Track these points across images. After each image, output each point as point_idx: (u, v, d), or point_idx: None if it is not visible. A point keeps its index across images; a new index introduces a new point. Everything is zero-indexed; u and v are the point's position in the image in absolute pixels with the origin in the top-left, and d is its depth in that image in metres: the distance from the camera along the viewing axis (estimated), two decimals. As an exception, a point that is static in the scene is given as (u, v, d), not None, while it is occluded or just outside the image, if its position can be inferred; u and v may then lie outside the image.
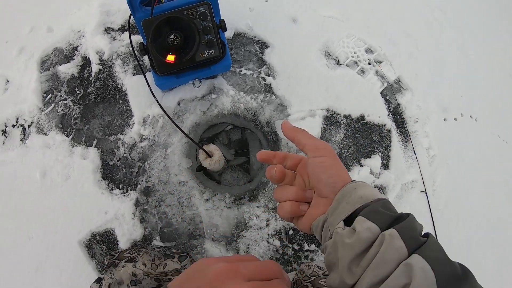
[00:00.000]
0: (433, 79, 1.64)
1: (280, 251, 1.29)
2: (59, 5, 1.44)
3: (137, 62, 1.34)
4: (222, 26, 1.17)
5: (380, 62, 1.58)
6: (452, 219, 1.49)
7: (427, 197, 1.46)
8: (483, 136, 1.65)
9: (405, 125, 1.52)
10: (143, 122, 1.32)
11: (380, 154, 1.45)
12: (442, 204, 1.49)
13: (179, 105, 1.34)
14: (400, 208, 1.43)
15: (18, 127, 1.32)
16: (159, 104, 1.28)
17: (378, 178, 1.42)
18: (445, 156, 1.54)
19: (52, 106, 1.32)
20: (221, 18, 1.30)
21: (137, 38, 1.39)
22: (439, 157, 1.53)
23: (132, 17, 1.22)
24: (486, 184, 1.59)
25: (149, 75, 1.33)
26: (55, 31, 1.41)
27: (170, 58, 1.08)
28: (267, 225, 1.30)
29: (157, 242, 1.26)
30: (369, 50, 1.60)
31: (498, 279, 1.51)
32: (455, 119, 1.62)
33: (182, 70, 1.19)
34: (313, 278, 1.01)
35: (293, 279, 1.08)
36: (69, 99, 1.33)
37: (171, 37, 1.09)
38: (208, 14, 1.12)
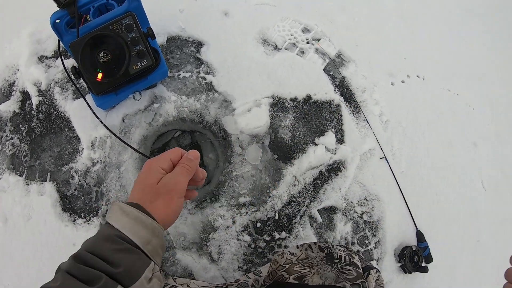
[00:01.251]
0: (374, 47, 1.65)
1: (253, 245, 1.32)
2: (-12, 43, 1.42)
3: (75, 87, 1.34)
4: (150, 34, 1.16)
5: (319, 40, 1.59)
6: (416, 179, 1.53)
7: (388, 162, 1.49)
8: (433, 92, 1.68)
9: (353, 97, 1.54)
10: (91, 146, 1.32)
11: (333, 130, 1.47)
12: (404, 166, 1.53)
13: (123, 121, 1.35)
14: (363, 178, 1.46)
15: (-31, 175, 1.32)
16: (104, 125, 1.28)
17: (335, 154, 1.45)
18: (398, 119, 1.57)
19: (0, 148, 1.32)
20: (149, 25, 1.30)
21: (72, 62, 1.38)
22: (392, 122, 1.56)
23: (61, 42, 1.22)
24: (444, 138, 1.63)
25: (89, 97, 1.33)
26: (-11, 68, 1.39)
27: (99, 76, 1.08)
28: (234, 222, 1.32)
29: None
30: (306, 30, 1.61)
31: (468, 229, 1.56)
32: (403, 81, 1.64)
33: (119, 86, 1.19)
34: (287, 266, 1.03)
35: (268, 271, 1.10)
36: (15, 137, 1.33)
37: (100, 55, 1.08)
38: (134, 24, 1.11)
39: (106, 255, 0.51)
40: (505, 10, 2.17)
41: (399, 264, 1.42)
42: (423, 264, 1.41)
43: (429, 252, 1.43)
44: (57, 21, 1.13)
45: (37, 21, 1.38)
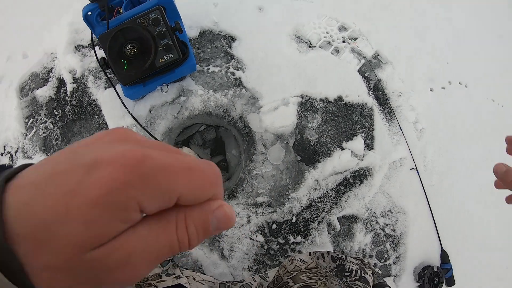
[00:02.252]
0: (415, 49, 1.55)
1: (265, 247, 1.30)
2: (31, 30, 1.50)
3: (106, 77, 1.38)
4: (178, 28, 1.16)
5: (356, 39, 1.51)
6: (447, 194, 1.44)
7: (418, 174, 1.41)
8: (476, 102, 1.55)
9: (387, 101, 1.46)
10: (119, 134, 1.36)
11: (362, 134, 1.41)
12: (436, 180, 1.44)
13: (150, 112, 1.37)
14: (390, 188, 1.39)
15: (6, 154, 1.41)
16: (131, 114, 1.32)
17: (362, 160, 1.38)
18: (435, 129, 1.47)
19: (34, 130, 1.39)
20: (178, 19, 1.30)
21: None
22: (428, 130, 1.46)
23: (93, 33, 1.26)
24: (484, 153, 1.50)
25: (119, 87, 1.37)
26: (30, 57, 1.47)
27: (125, 68, 1.11)
28: (248, 221, 1.31)
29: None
30: (342, 28, 1.54)
31: (500, 256, 1.44)
32: (443, 88, 1.53)
33: (146, 77, 1.21)
34: (294, 274, 1.01)
35: (274, 276, 1.09)
36: (49, 121, 1.40)
37: (127, 47, 1.11)
38: (161, 18, 1.12)
39: None
40: None
41: (418, 284, 1.34)
42: (444, 287, 1.32)
43: (452, 274, 1.34)
44: (89, 13, 1.17)
45: (77, 11, 1.43)
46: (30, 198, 0.23)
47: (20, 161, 1.37)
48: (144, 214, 0.26)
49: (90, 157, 0.24)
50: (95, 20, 1.18)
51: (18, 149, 1.38)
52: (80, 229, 0.22)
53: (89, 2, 1.12)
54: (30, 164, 0.27)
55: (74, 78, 1.42)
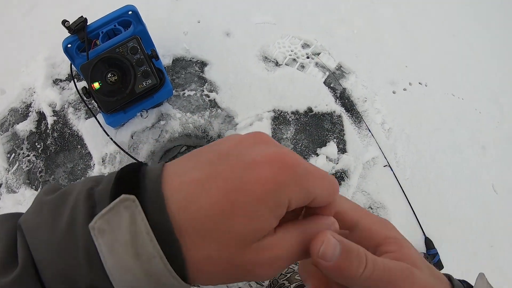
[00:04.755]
0: (374, 57, 1.68)
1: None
2: (7, 66, 1.55)
3: (86, 107, 1.43)
4: (154, 55, 1.24)
5: (319, 54, 1.64)
6: (422, 185, 1.52)
7: (392, 170, 1.49)
8: (437, 98, 1.69)
9: (354, 107, 1.56)
10: (102, 162, 1.40)
11: (334, 140, 1.50)
12: (409, 173, 1.52)
13: (132, 138, 1.42)
14: (367, 186, 1.46)
15: (-11, 190, 1.41)
16: (114, 141, 1.36)
17: (337, 163, 1.46)
18: (401, 127, 1.58)
19: (17, 164, 1.41)
20: (153, 47, 1.39)
21: (84, 84, 1.48)
22: (395, 129, 1.56)
23: (72, 65, 1.32)
24: (451, 143, 1.62)
25: (100, 116, 1.41)
26: (7, 92, 1.51)
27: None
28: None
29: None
30: (305, 45, 1.66)
31: (480, 234, 1.52)
32: (405, 89, 1.66)
33: (127, 104, 1.27)
34: (289, 275, 1.04)
35: (269, 280, 1.11)
36: (32, 155, 1.42)
37: (108, 75, 1.17)
38: (138, 47, 1.20)
39: None
40: (507, 11, 2.16)
41: (407, 273, 1.39)
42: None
43: (439, 259, 1.40)
44: (69, 45, 1.24)
45: (52, 46, 1.50)
46: (195, 194, 0.24)
47: (4, 196, 1.37)
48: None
49: (247, 157, 0.26)
50: (75, 52, 1.24)
51: (1, 184, 1.39)
52: (245, 224, 0.24)
53: (69, 35, 1.19)
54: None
55: (54, 111, 1.46)
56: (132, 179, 0.25)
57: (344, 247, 0.26)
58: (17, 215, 0.29)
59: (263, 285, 1.17)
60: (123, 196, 0.23)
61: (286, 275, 1.05)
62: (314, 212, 0.30)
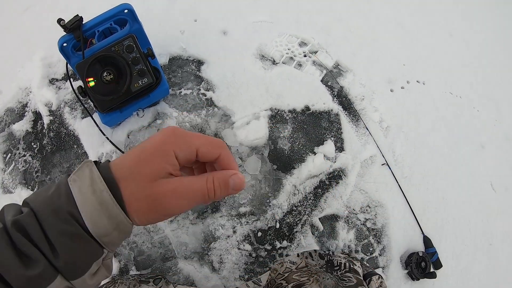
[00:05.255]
0: (371, 55, 1.68)
1: (254, 255, 1.32)
2: (3, 66, 1.54)
3: (83, 106, 1.42)
4: (150, 54, 1.23)
5: (316, 52, 1.63)
6: (421, 183, 1.52)
7: (390, 168, 1.49)
8: (434, 97, 1.68)
9: (352, 105, 1.56)
10: (98, 161, 1.39)
11: (332, 138, 1.49)
12: (407, 171, 1.52)
13: (128, 137, 1.41)
14: (365, 185, 1.45)
15: (-16, 191, 1.41)
16: (110, 141, 1.36)
17: (335, 162, 1.46)
18: (399, 125, 1.57)
19: (13, 164, 1.41)
20: (150, 46, 1.38)
21: (79, 83, 1.48)
22: (393, 128, 1.56)
23: (68, 64, 1.32)
24: (449, 141, 1.62)
25: (96, 116, 1.41)
26: (4, 93, 1.50)
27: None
28: (234, 232, 1.34)
29: (133, 271, 1.31)
30: (303, 43, 1.65)
31: (479, 232, 1.52)
32: (402, 88, 1.65)
33: (123, 103, 1.26)
34: (286, 275, 1.04)
35: (267, 280, 1.11)
36: (28, 155, 1.41)
37: (104, 74, 1.16)
38: (134, 45, 1.19)
39: (51, 235, 0.40)
40: (505, 9, 2.16)
41: (406, 271, 1.38)
42: (431, 270, 1.37)
43: (438, 257, 1.40)
44: (64, 44, 1.23)
45: (48, 46, 1.49)
46: (121, 159, 0.45)
47: (0, 197, 1.36)
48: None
49: (150, 137, 0.47)
50: (71, 51, 1.23)
51: (-3, 185, 1.39)
52: (147, 168, 0.43)
53: (65, 33, 1.18)
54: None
55: (50, 111, 1.45)
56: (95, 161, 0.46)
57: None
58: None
59: (261, 285, 1.16)
60: (85, 160, 0.45)
61: (284, 275, 1.05)
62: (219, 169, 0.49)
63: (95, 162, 0.46)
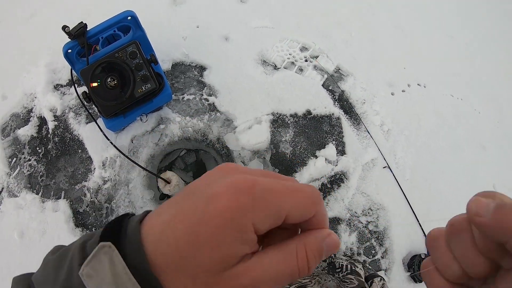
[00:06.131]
0: (372, 59, 1.69)
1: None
2: (9, 72, 1.57)
3: (87, 111, 1.44)
4: (153, 60, 1.26)
5: (317, 57, 1.65)
6: (422, 185, 1.52)
7: (391, 171, 1.49)
8: (435, 99, 1.69)
9: (353, 109, 1.57)
10: (103, 166, 1.41)
11: (333, 142, 1.50)
12: (409, 174, 1.52)
13: (132, 142, 1.43)
14: (367, 188, 1.46)
15: (-10, 195, 1.43)
16: (114, 145, 1.37)
17: (336, 165, 1.47)
18: (400, 128, 1.58)
19: (18, 169, 1.42)
20: (153, 52, 1.40)
21: (84, 89, 1.50)
22: (394, 131, 1.57)
23: (73, 70, 1.34)
24: (451, 143, 1.62)
25: (101, 121, 1.43)
26: (9, 98, 1.52)
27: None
28: (236, 234, 1.34)
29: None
30: (304, 48, 1.67)
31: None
32: (403, 91, 1.66)
33: (126, 109, 1.28)
34: None
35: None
36: (33, 159, 1.43)
37: (108, 80, 1.18)
38: (137, 51, 1.21)
39: None
40: (505, 12, 2.17)
41: (408, 273, 1.39)
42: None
43: (440, 260, 1.40)
44: (69, 51, 1.26)
45: (53, 52, 1.52)
46: (164, 232, 0.27)
47: (5, 201, 1.38)
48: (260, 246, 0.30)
49: (207, 192, 0.27)
50: (75, 57, 1.26)
51: (2, 188, 1.40)
52: (211, 253, 0.26)
53: (69, 40, 1.20)
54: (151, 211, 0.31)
55: (55, 116, 1.47)
56: (115, 228, 0.29)
57: (496, 203, 0.27)
58: (30, 275, 0.33)
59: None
60: (101, 244, 0.27)
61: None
62: (307, 228, 0.31)
63: (118, 237, 0.28)
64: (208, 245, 0.26)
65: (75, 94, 1.48)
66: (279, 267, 0.28)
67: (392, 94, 1.64)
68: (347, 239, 1.39)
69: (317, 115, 1.53)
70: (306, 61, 1.64)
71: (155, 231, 0.28)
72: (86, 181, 1.40)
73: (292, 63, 1.63)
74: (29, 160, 1.43)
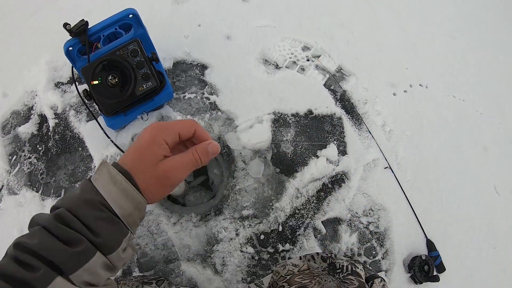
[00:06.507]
0: (374, 59, 1.69)
1: (256, 257, 1.33)
2: (10, 70, 1.57)
3: (88, 109, 1.44)
4: (154, 58, 1.25)
5: (319, 56, 1.64)
6: (424, 187, 1.52)
7: (392, 171, 1.49)
8: (438, 100, 1.69)
9: (355, 109, 1.56)
10: (103, 164, 1.40)
11: (335, 142, 1.49)
12: (410, 175, 1.52)
13: (133, 140, 1.42)
14: (368, 188, 1.46)
15: (-10, 192, 1.42)
16: (114, 144, 1.37)
17: (337, 165, 1.46)
18: (402, 129, 1.58)
19: (19, 166, 1.42)
20: (154, 50, 1.40)
21: (85, 86, 1.49)
22: (396, 131, 1.56)
23: (74, 68, 1.34)
24: (452, 144, 1.62)
25: (101, 119, 1.42)
26: (10, 95, 1.52)
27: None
28: (237, 234, 1.34)
29: (136, 273, 1.31)
30: (305, 48, 1.67)
31: (483, 235, 1.51)
32: (405, 91, 1.66)
33: (127, 107, 1.28)
34: (288, 277, 1.04)
35: (269, 283, 1.11)
36: (33, 157, 1.43)
37: (109, 78, 1.18)
38: (139, 50, 1.21)
39: (88, 221, 0.51)
40: (507, 12, 2.17)
41: (409, 275, 1.38)
42: (435, 273, 1.37)
43: (441, 261, 1.39)
44: (70, 48, 1.25)
45: (54, 50, 1.51)
46: (125, 158, 0.59)
47: (5, 198, 1.38)
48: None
49: (141, 133, 0.63)
50: (76, 55, 1.25)
51: (2, 186, 1.40)
52: (149, 155, 0.58)
53: (70, 37, 1.20)
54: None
55: (55, 114, 1.47)
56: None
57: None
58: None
59: (262, 287, 1.16)
60: (101, 162, 0.58)
61: (286, 278, 1.05)
62: (198, 142, 0.65)
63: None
64: (146, 154, 0.58)
65: (76, 92, 1.48)
66: (183, 159, 0.61)
67: (394, 94, 1.63)
68: (348, 240, 1.38)
69: (319, 114, 1.53)
70: (308, 60, 1.63)
71: (122, 159, 0.59)
72: (85, 179, 1.40)
73: (294, 62, 1.62)
74: (29, 157, 1.43)
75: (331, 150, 1.47)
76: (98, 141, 1.42)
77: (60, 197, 0.61)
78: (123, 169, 0.57)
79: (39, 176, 1.41)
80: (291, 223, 1.37)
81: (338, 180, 1.45)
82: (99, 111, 1.36)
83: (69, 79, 1.53)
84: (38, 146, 1.44)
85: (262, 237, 1.35)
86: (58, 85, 1.52)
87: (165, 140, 0.59)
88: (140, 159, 0.58)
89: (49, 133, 1.45)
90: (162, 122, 0.61)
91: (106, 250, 0.52)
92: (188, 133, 0.63)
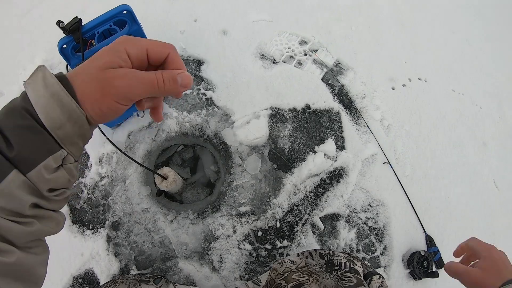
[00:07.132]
0: (372, 53, 1.67)
1: (254, 254, 1.32)
2: (5, 68, 1.56)
3: (83, 108, 1.43)
4: (149, 56, 1.24)
5: (316, 51, 1.62)
6: (423, 182, 1.51)
7: (391, 166, 1.48)
8: (437, 94, 1.67)
9: (353, 104, 1.55)
10: (99, 162, 1.40)
11: (333, 137, 1.48)
12: (409, 170, 1.50)
13: (129, 137, 1.42)
14: (366, 183, 1.44)
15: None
16: (110, 141, 1.36)
17: (335, 161, 1.45)
18: (401, 123, 1.56)
19: (15, 166, 1.42)
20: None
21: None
22: (395, 126, 1.55)
23: (69, 66, 1.32)
24: (452, 139, 1.60)
25: (97, 117, 1.41)
26: (5, 94, 1.51)
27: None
28: (234, 231, 1.33)
29: (134, 271, 1.31)
30: (303, 42, 1.65)
31: (483, 230, 1.50)
32: (404, 85, 1.64)
33: (122, 105, 1.27)
34: (285, 275, 1.04)
35: (266, 280, 1.10)
36: (29, 157, 1.42)
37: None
38: (132, 47, 1.19)
39: (5, 129, 0.43)
40: (506, 7, 2.14)
41: (408, 271, 1.37)
42: (434, 269, 1.36)
43: (440, 256, 1.38)
44: (64, 46, 1.24)
45: (49, 48, 1.50)
46: (77, 66, 0.48)
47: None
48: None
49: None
50: (70, 52, 1.24)
51: None
52: (99, 61, 0.45)
53: (64, 35, 1.19)
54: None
55: (51, 113, 1.46)
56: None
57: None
58: None
59: (260, 285, 1.16)
60: (38, 65, 0.46)
61: (283, 275, 1.04)
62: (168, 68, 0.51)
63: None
64: (98, 59, 0.46)
65: (71, 89, 1.47)
66: (141, 74, 0.47)
67: (393, 88, 1.62)
68: (346, 236, 1.37)
69: (316, 109, 1.51)
70: (305, 55, 1.61)
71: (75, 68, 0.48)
72: (83, 177, 1.39)
73: (291, 56, 1.60)
74: (25, 156, 1.42)
75: (329, 145, 1.46)
76: (94, 138, 1.41)
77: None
78: (62, 75, 0.46)
79: (35, 175, 1.40)
80: (289, 220, 1.36)
81: (336, 176, 1.43)
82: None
83: (64, 76, 1.52)
84: (34, 144, 1.44)
85: (259, 233, 1.34)
86: (53, 83, 1.51)
87: (126, 50, 0.47)
88: (89, 63, 0.47)
89: (45, 132, 1.45)
90: (133, 37, 0.50)
91: (23, 166, 0.43)
92: (159, 54, 0.50)
